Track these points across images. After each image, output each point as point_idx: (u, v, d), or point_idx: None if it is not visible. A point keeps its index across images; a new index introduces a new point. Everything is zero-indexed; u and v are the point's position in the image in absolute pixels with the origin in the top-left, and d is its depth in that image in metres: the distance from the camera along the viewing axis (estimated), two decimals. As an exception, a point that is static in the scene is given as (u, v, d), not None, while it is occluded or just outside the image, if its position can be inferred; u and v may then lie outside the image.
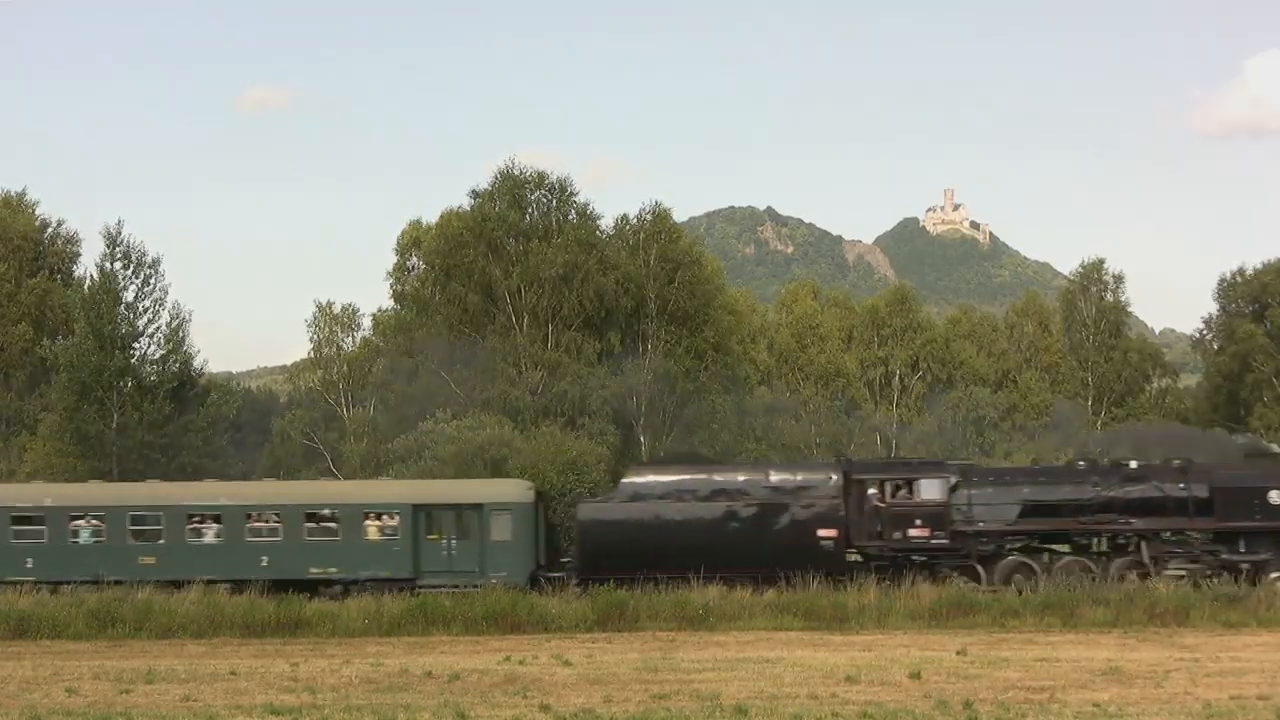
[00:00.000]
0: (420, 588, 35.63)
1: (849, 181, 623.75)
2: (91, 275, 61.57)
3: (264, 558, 36.83)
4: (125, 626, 30.84)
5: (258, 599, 32.77)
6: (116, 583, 35.07)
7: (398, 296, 75.58)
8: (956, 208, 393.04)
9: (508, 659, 25.48)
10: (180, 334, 60.06)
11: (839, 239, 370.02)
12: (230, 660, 26.13)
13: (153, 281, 59.64)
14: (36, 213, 74.58)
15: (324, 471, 67.87)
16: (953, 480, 37.02)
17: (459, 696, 21.16)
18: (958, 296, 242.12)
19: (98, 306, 58.26)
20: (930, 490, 36.74)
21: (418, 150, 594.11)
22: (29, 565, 37.03)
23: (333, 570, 36.77)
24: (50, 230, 74.24)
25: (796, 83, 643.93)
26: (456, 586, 35.46)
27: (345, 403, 76.32)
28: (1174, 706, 19.77)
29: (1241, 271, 78.21)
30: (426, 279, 72.02)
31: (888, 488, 36.96)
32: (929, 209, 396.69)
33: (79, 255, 74.06)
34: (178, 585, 35.27)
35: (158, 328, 59.75)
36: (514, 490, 38.90)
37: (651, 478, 37.80)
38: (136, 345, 59.48)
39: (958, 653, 25.85)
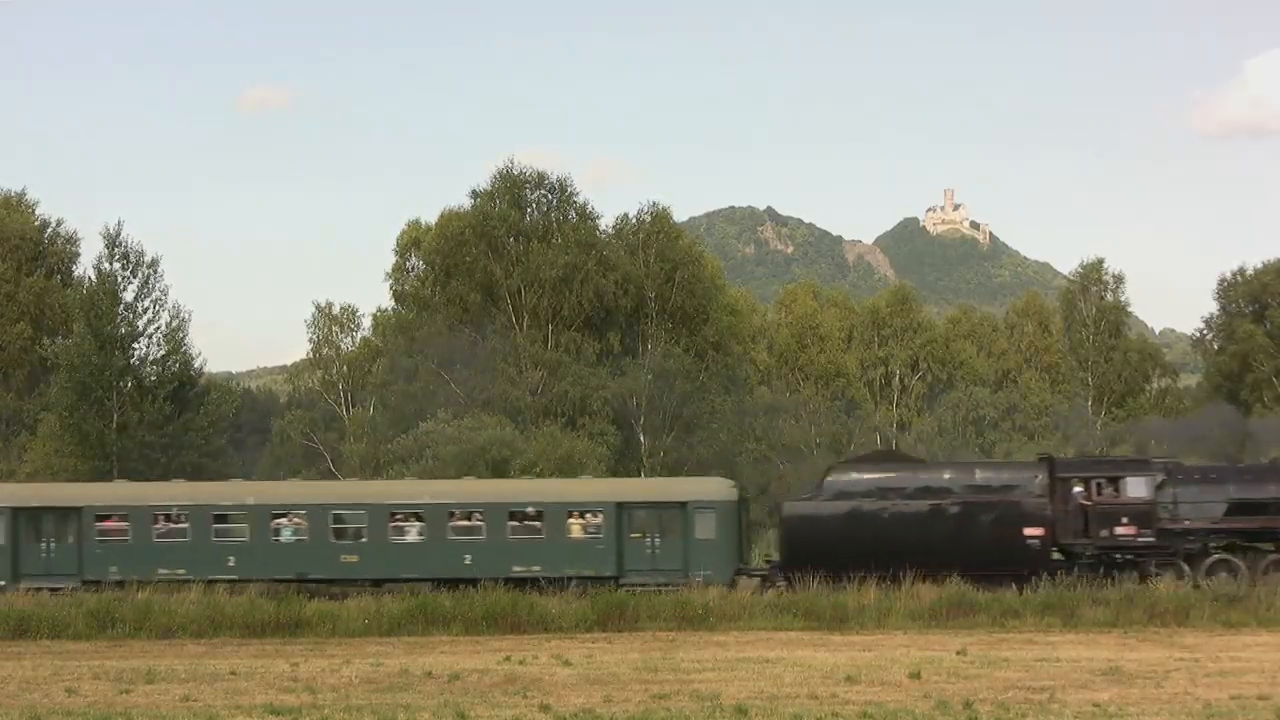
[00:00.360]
0: (624, 586, 35.55)
1: (849, 181, 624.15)
2: (90, 276, 61.63)
3: (467, 556, 36.90)
4: (125, 626, 30.84)
5: (257, 599, 32.79)
6: (320, 581, 35.37)
7: (398, 296, 75.61)
8: (956, 208, 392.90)
9: (508, 659, 25.47)
10: (180, 334, 60.08)
11: (839, 239, 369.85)
12: (230, 660, 26.13)
13: (152, 282, 59.68)
14: (36, 212, 74.69)
15: (324, 472, 67.88)
16: (1159, 478, 36.95)
17: (459, 696, 21.15)
18: (958, 296, 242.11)
19: (97, 307, 58.26)
20: (1137, 488, 36.63)
21: (418, 150, 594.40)
22: (230, 564, 37.10)
23: (536, 569, 36.67)
24: (50, 230, 74.28)
25: (796, 83, 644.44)
26: (661, 585, 35.33)
27: (345, 403, 76.32)
28: (1174, 706, 19.76)
29: (1242, 271, 78.23)
30: (427, 278, 72.06)
31: (1094, 486, 36.87)
32: (929, 209, 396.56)
33: (78, 255, 74.23)
34: (378, 584, 35.43)
35: (157, 328, 59.80)
36: (718, 489, 38.92)
37: (856, 475, 37.71)
38: (136, 345, 59.50)
39: (958, 653, 25.85)
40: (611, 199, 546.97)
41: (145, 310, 59.44)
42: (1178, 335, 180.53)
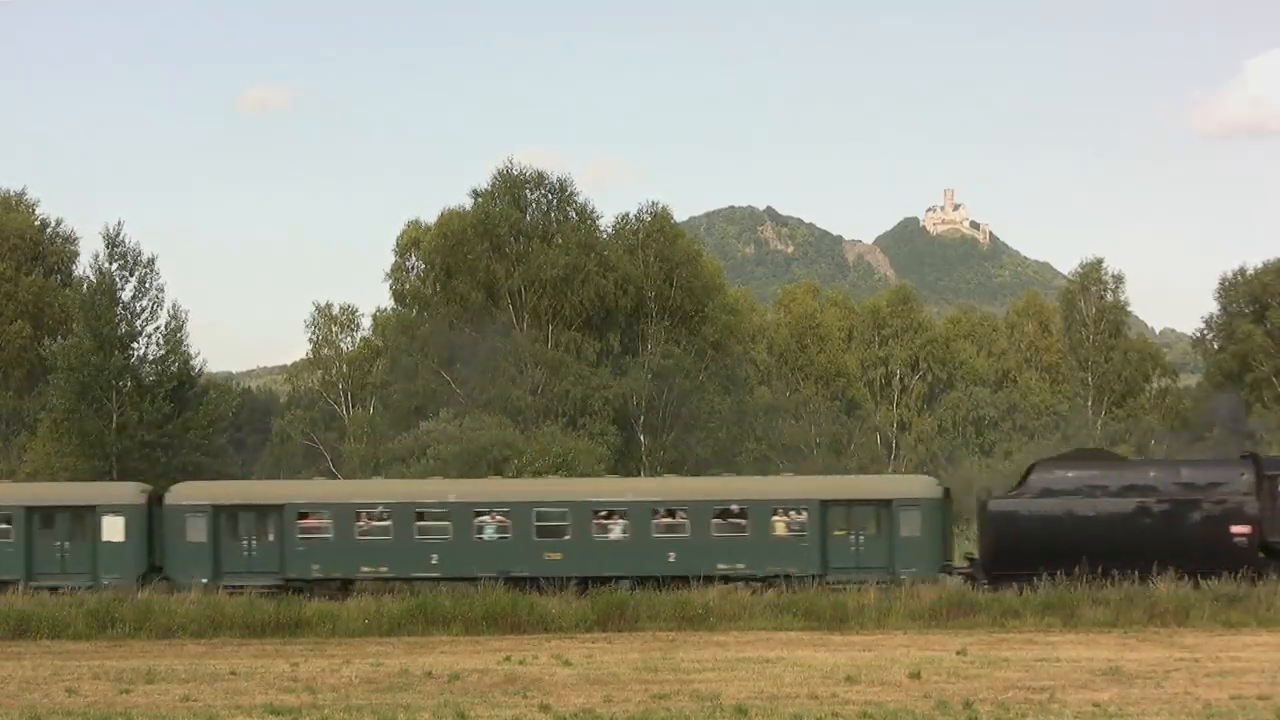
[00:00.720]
0: (829, 583, 35.49)
1: (849, 181, 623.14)
2: (89, 275, 61.63)
3: (671, 554, 36.78)
4: (125, 626, 30.83)
5: (257, 599, 32.78)
6: (522, 579, 35.32)
7: (397, 296, 75.67)
8: (956, 208, 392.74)
9: (508, 659, 25.47)
10: (178, 334, 60.06)
11: (839, 239, 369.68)
12: (230, 660, 26.12)
13: (149, 281, 59.69)
14: (36, 212, 74.67)
15: (324, 471, 67.92)
16: None
17: (459, 696, 21.15)
18: (958, 296, 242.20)
19: (95, 307, 58.26)
20: None
21: (418, 150, 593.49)
22: (433, 561, 37.01)
23: (740, 566, 36.52)
24: (50, 230, 74.28)
25: (796, 83, 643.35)
26: (864, 583, 35.00)
27: (345, 403, 76.37)
28: (1174, 706, 19.76)
29: (1242, 271, 78.27)
30: (427, 277, 72.10)
31: None
32: (929, 209, 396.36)
33: (77, 254, 74.21)
34: (584, 582, 35.37)
35: (156, 327, 59.82)
36: (923, 486, 38.87)
37: (1062, 473, 37.49)
38: (135, 345, 59.49)
39: (958, 653, 25.85)
40: (611, 199, 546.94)
41: (143, 310, 59.51)
42: (1178, 335, 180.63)
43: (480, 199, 69.36)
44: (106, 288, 58.82)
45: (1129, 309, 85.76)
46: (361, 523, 37.52)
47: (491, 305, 67.12)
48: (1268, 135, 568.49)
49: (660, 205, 71.55)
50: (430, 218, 75.08)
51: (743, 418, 72.99)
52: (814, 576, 36.15)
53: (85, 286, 61.19)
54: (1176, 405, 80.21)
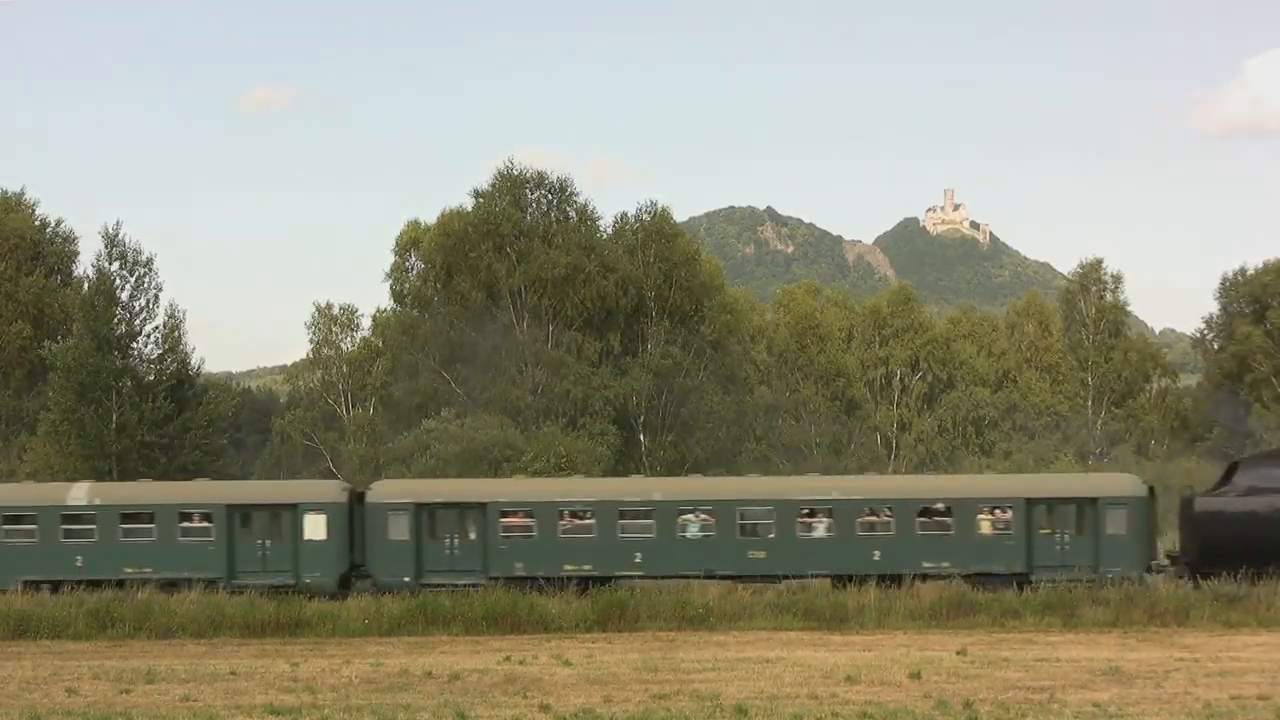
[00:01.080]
0: (1031, 582, 35.35)
1: (849, 181, 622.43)
2: (89, 275, 61.63)
3: (875, 552, 36.65)
4: (125, 626, 30.83)
5: (257, 599, 32.77)
6: (726, 578, 35.30)
7: (397, 296, 75.69)
8: (956, 208, 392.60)
9: (508, 659, 25.47)
10: (176, 334, 60.05)
11: (839, 239, 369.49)
12: (230, 660, 26.12)
13: (147, 280, 59.70)
14: (35, 212, 74.65)
15: (324, 471, 67.94)
16: None
17: (459, 696, 21.15)
18: (958, 296, 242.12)
19: (95, 307, 58.25)
20: None
21: (418, 150, 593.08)
22: (636, 560, 36.94)
23: (945, 565, 36.37)
24: (50, 230, 74.26)
25: (796, 83, 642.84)
26: (1072, 581, 34.76)
27: (345, 403, 76.37)
28: (1174, 706, 19.76)
29: (1243, 271, 78.26)
30: (428, 277, 72.10)
31: None
32: (929, 209, 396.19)
33: (77, 255, 74.22)
34: (777, 579, 35.39)
35: (155, 327, 59.84)
36: (1129, 485, 38.50)
37: (1267, 470, 37.33)
38: (134, 345, 59.49)
39: (958, 653, 25.84)
40: (611, 199, 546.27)
41: (142, 310, 59.52)
42: (1178, 335, 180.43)
43: (481, 199, 69.40)
44: (106, 288, 58.83)
45: (1129, 309, 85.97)
46: (565, 521, 37.50)
47: (492, 305, 67.15)
48: (1268, 135, 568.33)
49: (659, 205, 71.71)
50: (430, 218, 75.24)
51: (743, 418, 73.01)
52: (1017, 575, 36.12)
53: (85, 286, 61.18)
54: (1176, 405, 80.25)
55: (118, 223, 59.96)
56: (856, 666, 23.93)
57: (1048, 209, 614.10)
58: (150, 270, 59.76)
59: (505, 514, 37.53)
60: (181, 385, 59.87)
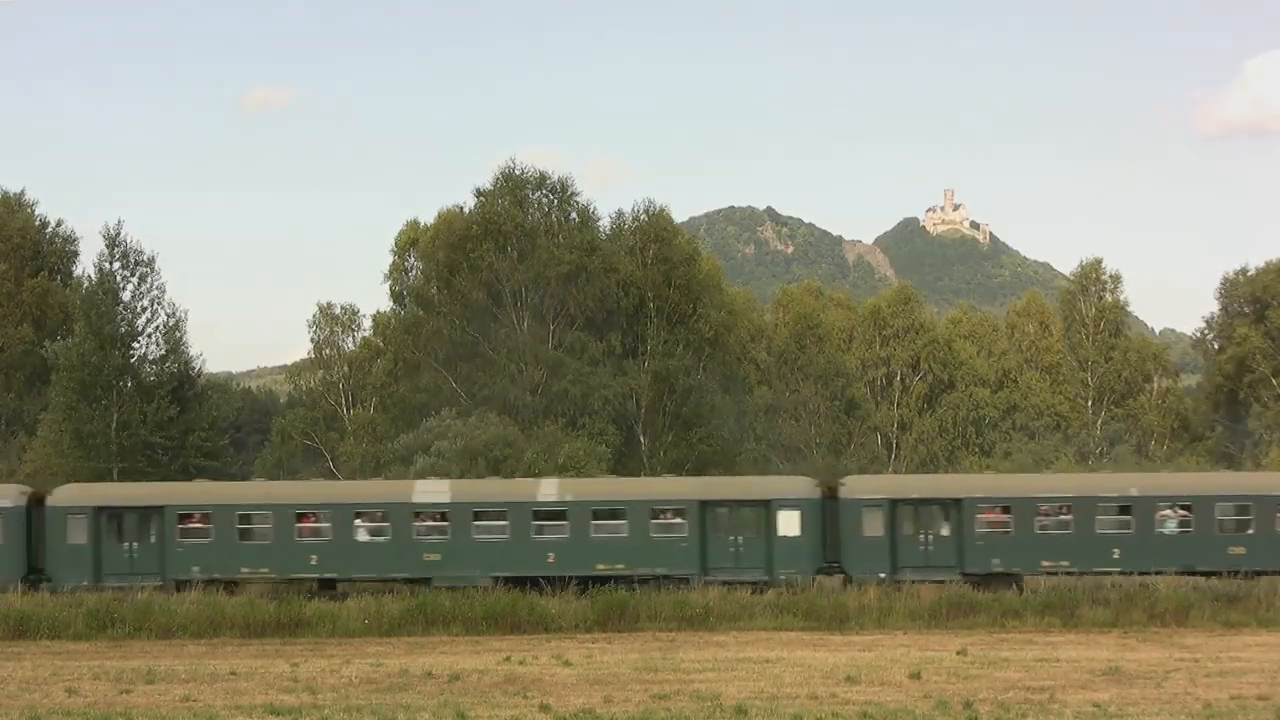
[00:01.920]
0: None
1: (849, 181, 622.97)
2: (90, 275, 61.58)
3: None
4: (125, 627, 30.84)
5: (257, 599, 32.76)
6: (1206, 574, 35.37)
7: (396, 296, 75.63)
8: (956, 208, 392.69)
9: (508, 659, 25.47)
10: (177, 333, 60.02)
11: (839, 239, 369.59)
12: (230, 660, 26.12)
13: (148, 280, 59.66)
14: (36, 212, 74.58)
15: (324, 471, 67.90)
16: None
17: (459, 696, 21.15)
18: (958, 296, 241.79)
19: (96, 306, 58.22)
20: None
21: (418, 150, 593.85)
22: (1115, 556, 36.53)
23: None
24: (50, 230, 74.22)
25: (796, 83, 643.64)
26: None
27: (345, 403, 76.31)
28: (1174, 706, 19.77)
29: (1243, 271, 78.22)
30: (429, 276, 72.03)
31: None
32: (929, 209, 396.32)
33: (78, 255, 74.16)
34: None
35: (156, 327, 59.78)
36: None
37: None
38: (136, 345, 59.46)
39: (958, 653, 25.85)
40: (611, 199, 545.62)
41: (143, 310, 59.48)
42: (1178, 335, 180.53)
43: (483, 198, 69.37)
44: (107, 287, 58.78)
45: (1129, 309, 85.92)
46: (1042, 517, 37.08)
47: (493, 305, 67.10)
48: (1268, 135, 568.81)
49: (656, 205, 71.66)
50: (429, 218, 75.18)
51: (742, 417, 72.95)
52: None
53: (86, 286, 61.12)
54: (1177, 406, 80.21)
55: (119, 222, 60.04)
56: (856, 667, 23.95)
57: (1047, 209, 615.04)
58: (152, 270, 59.79)
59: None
60: (182, 386, 59.84)
